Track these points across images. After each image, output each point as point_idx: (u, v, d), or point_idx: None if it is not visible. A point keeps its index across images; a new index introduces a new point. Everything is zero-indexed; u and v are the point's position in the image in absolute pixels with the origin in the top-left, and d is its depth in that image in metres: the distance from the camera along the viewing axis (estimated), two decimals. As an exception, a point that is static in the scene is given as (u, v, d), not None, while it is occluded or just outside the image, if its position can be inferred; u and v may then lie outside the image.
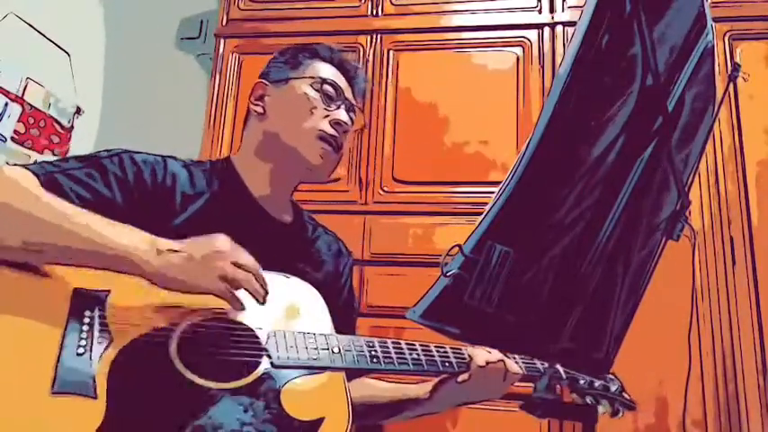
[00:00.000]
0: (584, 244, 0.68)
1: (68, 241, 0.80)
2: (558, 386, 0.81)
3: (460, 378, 0.98)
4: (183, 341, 0.83)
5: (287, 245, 1.09)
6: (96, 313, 0.81)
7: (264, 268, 0.94)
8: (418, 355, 0.96)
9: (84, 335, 0.79)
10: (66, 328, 0.78)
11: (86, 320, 0.80)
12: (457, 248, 0.66)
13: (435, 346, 0.99)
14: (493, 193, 0.66)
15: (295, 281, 0.98)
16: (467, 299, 0.65)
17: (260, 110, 1.10)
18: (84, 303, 0.82)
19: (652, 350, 1.62)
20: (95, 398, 0.74)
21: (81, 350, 0.77)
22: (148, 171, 0.97)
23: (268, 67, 1.15)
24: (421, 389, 1.07)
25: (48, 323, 0.78)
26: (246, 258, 0.86)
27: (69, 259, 0.82)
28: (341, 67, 1.12)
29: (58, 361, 0.75)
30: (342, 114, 1.07)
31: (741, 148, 1.93)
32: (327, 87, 1.08)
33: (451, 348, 1.00)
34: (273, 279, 0.94)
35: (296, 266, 1.03)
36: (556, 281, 0.68)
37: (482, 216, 0.66)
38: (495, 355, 1.00)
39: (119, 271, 0.82)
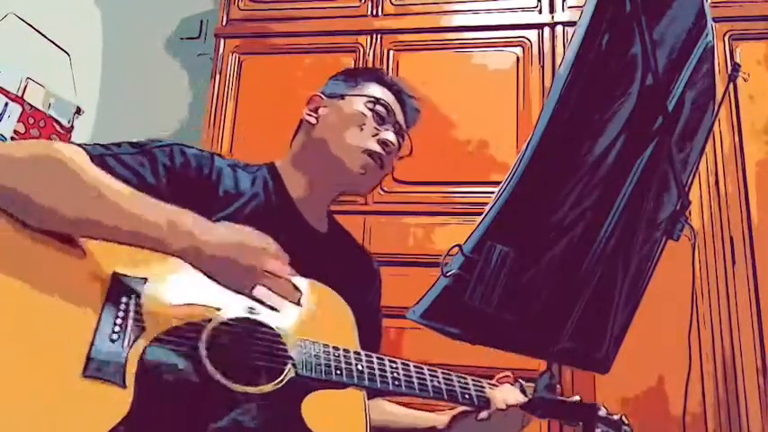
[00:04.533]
0: (584, 244, 0.68)
1: (99, 217, 0.79)
2: (558, 386, 0.81)
3: (480, 416, 0.99)
4: (212, 339, 0.83)
5: (320, 254, 1.07)
6: (133, 301, 0.81)
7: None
8: (439, 382, 0.97)
9: (119, 321, 0.79)
10: (102, 312, 0.79)
11: (122, 307, 0.80)
12: (457, 248, 0.66)
13: (457, 377, 1.00)
14: (493, 193, 0.66)
15: (325, 289, 0.98)
16: (467, 299, 0.65)
17: (312, 120, 1.12)
18: (122, 289, 0.82)
19: (652, 350, 1.62)
20: (124, 387, 0.74)
21: (115, 336, 0.77)
22: (195, 164, 0.99)
23: (327, 83, 1.19)
24: (438, 419, 1.07)
25: (84, 304, 0.78)
26: (274, 264, 0.84)
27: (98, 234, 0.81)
28: (396, 92, 1.15)
29: (92, 343, 0.75)
30: (390, 135, 1.09)
31: (741, 148, 1.92)
32: (380, 108, 1.11)
33: (473, 380, 1.01)
34: (303, 285, 0.93)
35: (327, 277, 1.01)
36: (556, 281, 0.68)
37: (482, 216, 0.66)
38: (516, 396, 1.00)
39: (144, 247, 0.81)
